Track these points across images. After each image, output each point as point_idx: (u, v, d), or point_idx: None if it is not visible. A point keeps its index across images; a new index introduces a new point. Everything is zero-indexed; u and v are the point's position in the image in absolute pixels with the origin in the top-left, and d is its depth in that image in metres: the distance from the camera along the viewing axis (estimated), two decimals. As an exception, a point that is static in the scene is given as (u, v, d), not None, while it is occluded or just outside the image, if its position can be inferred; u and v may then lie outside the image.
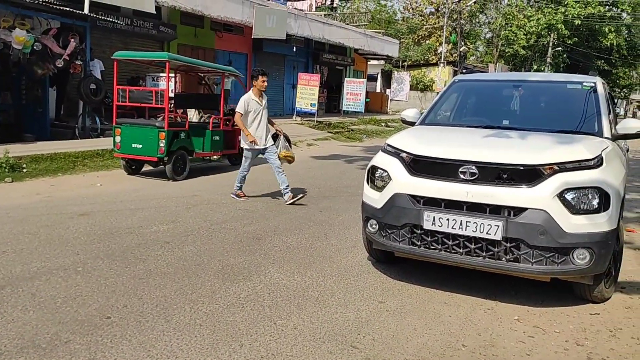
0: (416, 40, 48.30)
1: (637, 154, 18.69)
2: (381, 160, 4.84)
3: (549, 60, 46.38)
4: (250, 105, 7.87)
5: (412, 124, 5.88)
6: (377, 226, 4.70)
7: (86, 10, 12.26)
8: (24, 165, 9.36)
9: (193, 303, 4.13)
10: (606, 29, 45.47)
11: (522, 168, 4.15)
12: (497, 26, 47.20)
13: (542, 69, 46.03)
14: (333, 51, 27.53)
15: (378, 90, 38.95)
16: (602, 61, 49.47)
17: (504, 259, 4.14)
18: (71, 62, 12.21)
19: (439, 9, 45.61)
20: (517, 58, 48.28)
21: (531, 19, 44.93)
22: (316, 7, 27.96)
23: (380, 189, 4.68)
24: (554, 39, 45.60)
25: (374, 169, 4.84)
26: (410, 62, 43.08)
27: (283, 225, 6.66)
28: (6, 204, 7.09)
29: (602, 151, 4.35)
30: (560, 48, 46.68)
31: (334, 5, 30.87)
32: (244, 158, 8.16)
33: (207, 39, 20.04)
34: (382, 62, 38.06)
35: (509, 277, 4.65)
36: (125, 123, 9.59)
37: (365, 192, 4.91)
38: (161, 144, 9.18)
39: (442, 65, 36.72)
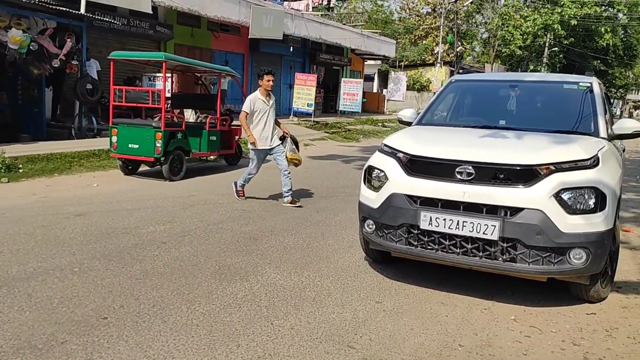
0: (413, 40, 48.37)
1: (634, 154, 18.74)
2: (378, 160, 4.84)
3: (545, 60, 46.47)
4: (257, 104, 7.75)
5: (409, 124, 5.89)
6: (374, 226, 4.70)
7: (82, 10, 12.24)
8: (20, 166, 9.33)
9: (190, 303, 4.12)
10: (602, 29, 45.60)
11: (518, 168, 4.16)
12: (493, 26, 47.29)
13: (539, 69, 46.11)
14: (330, 51, 27.53)
15: (375, 90, 38.96)
16: (599, 61, 49.61)
17: (500, 259, 4.15)
18: (67, 62, 12.18)
19: (436, 9, 45.66)
20: (513, 58, 48.37)
21: (527, 19, 45.03)
22: (313, 7, 27.98)
23: (377, 189, 4.68)
24: (550, 39, 45.68)
25: (370, 169, 4.85)
26: (407, 62, 43.13)
27: (280, 226, 6.65)
28: (2, 204, 7.07)
29: (598, 151, 4.36)
30: (556, 48, 46.77)
31: (331, 5, 30.88)
32: (250, 159, 8.03)
33: (203, 39, 20.03)
34: (379, 62, 38.10)
35: (506, 277, 4.66)
36: (122, 123, 9.57)
37: (362, 192, 4.91)
38: (158, 144, 9.16)
39: (438, 65, 36.75)
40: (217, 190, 8.71)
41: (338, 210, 7.65)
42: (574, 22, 43.55)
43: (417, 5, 50.10)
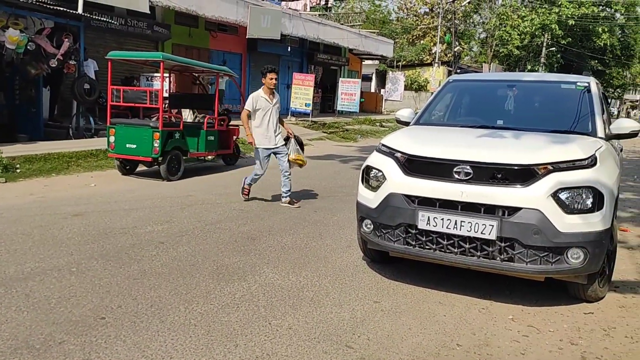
0: (410, 40, 48.39)
1: (631, 154, 18.78)
2: (376, 160, 4.84)
3: (543, 60, 46.53)
4: (259, 103, 7.62)
5: (407, 124, 5.89)
6: (372, 226, 4.70)
7: (80, 10, 12.21)
8: (18, 166, 9.32)
9: (188, 303, 4.12)
10: (600, 29, 45.68)
11: (516, 168, 4.16)
12: (491, 26, 47.34)
13: (536, 69, 46.17)
14: (327, 51, 27.54)
15: (372, 90, 39.00)
16: (596, 61, 49.69)
17: (498, 258, 4.15)
18: (65, 62, 12.16)
19: (434, 9, 45.69)
20: (511, 58, 48.43)
21: (525, 19, 45.08)
22: (310, 7, 27.96)
23: (375, 188, 4.68)
24: (547, 39, 45.74)
25: (368, 168, 4.85)
26: (404, 62, 43.17)
27: (278, 225, 6.65)
28: (0, 204, 7.05)
29: (595, 151, 4.36)
30: (554, 48, 46.83)
31: (329, 5, 30.87)
32: (255, 160, 7.91)
33: (201, 39, 20.02)
34: (377, 62, 38.12)
35: (504, 276, 4.66)
36: (120, 123, 9.56)
37: (359, 192, 4.91)
38: (155, 144, 9.15)
39: (436, 65, 36.77)
40: (214, 190, 8.71)
41: (336, 210, 7.66)
42: (571, 22, 43.61)
43: (414, 5, 50.14)
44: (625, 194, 9.87)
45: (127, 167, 9.93)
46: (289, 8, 23.81)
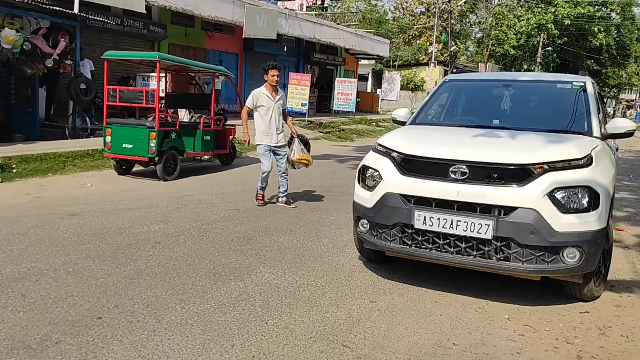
0: (407, 40, 48.45)
1: (627, 153, 18.84)
2: (372, 159, 4.84)
3: (539, 59, 46.64)
4: (260, 100, 7.48)
5: (403, 123, 5.89)
6: (368, 225, 4.71)
7: (76, 10, 12.19)
8: (14, 166, 9.29)
9: (184, 303, 4.12)
10: (595, 29, 45.82)
11: (512, 167, 4.17)
12: (487, 26, 47.42)
13: (532, 68, 46.27)
14: (324, 51, 27.55)
15: (369, 90, 39.02)
16: (592, 61, 49.84)
17: (494, 258, 4.16)
18: (61, 62, 12.13)
19: (430, 9, 45.71)
20: (507, 58, 48.52)
21: (521, 18, 45.19)
22: (307, 7, 27.93)
23: (371, 188, 4.69)
24: (544, 38, 45.85)
25: (365, 168, 4.85)
26: (400, 62, 43.20)
27: (274, 225, 6.65)
28: (-5, 204, 7.05)
29: (591, 150, 4.38)
30: (550, 48, 46.95)
31: (325, 5, 30.86)
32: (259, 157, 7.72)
33: (197, 39, 20.01)
34: (373, 61, 38.15)
35: (500, 275, 4.67)
36: (116, 123, 9.55)
37: (356, 192, 4.92)
38: (152, 144, 9.15)
39: (432, 65, 36.81)
40: (211, 190, 8.71)
41: (332, 210, 7.66)
42: (567, 21, 43.74)
43: (410, 4, 50.18)
44: (621, 194, 9.90)
45: (124, 167, 9.91)
46: (285, 8, 23.81)
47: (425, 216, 4.28)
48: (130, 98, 10.03)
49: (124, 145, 9.35)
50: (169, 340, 3.50)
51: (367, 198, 4.68)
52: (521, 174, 4.14)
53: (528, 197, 4.04)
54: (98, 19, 13.87)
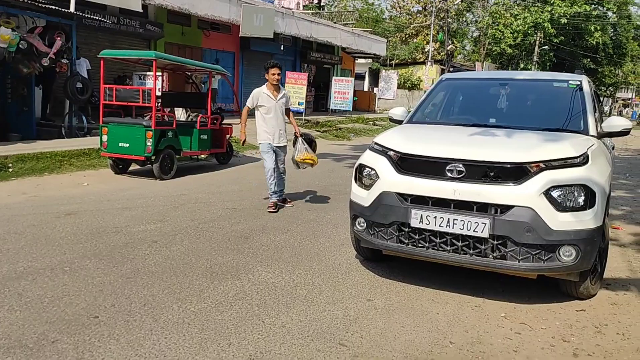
0: (404, 38, 48.44)
1: (623, 152, 18.90)
2: (369, 158, 4.85)
3: (535, 58, 46.69)
4: (261, 99, 7.34)
5: (400, 122, 5.90)
6: (365, 224, 4.71)
7: (72, 9, 12.15)
8: (10, 165, 9.27)
9: (181, 302, 4.12)
10: (592, 28, 45.86)
11: (508, 166, 4.18)
12: (484, 25, 47.45)
13: (529, 67, 46.32)
14: (321, 50, 27.54)
15: (366, 88, 39.00)
16: (588, 59, 49.92)
17: (491, 256, 4.17)
18: (57, 61, 12.08)
19: (426, 8, 45.75)
20: (504, 56, 48.56)
21: (518, 17, 45.21)
22: (303, 6, 27.96)
23: (367, 187, 4.69)
24: (540, 37, 45.89)
25: (361, 167, 4.85)
26: (397, 61, 43.20)
27: (271, 224, 6.65)
28: (-9, 203, 7.03)
29: (587, 149, 4.39)
30: (546, 47, 47.00)
31: (322, 3, 30.87)
32: (263, 160, 7.56)
33: (194, 38, 19.99)
34: (370, 60, 38.13)
35: (496, 274, 4.68)
36: (112, 122, 9.53)
37: (353, 191, 4.92)
38: (148, 143, 9.13)
39: (429, 63, 36.83)
40: (208, 189, 8.70)
41: (329, 209, 7.66)
42: (564, 20, 43.77)
43: (407, 3, 50.19)
44: (618, 192, 9.93)
45: (120, 166, 9.90)
46: (282, 7, 23.81)
47: (421, 215, 4.28)
48: (127, 97, 10.01)
49: (120, 145, 9.33)
50: (166, 339, 3.50)
51: (364, 197, 4.68)
52: (517, 173, 4.15)
53: (524, 195, 4.05)
54: (94, 17, 13.83)
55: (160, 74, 12.00)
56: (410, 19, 49.90)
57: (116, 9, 15.03)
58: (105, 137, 9.42)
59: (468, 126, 5.32)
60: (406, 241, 4.44)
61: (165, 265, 4.95)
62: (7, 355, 3.19)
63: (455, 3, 41.39)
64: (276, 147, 7.48)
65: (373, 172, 4.68)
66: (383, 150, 4.74)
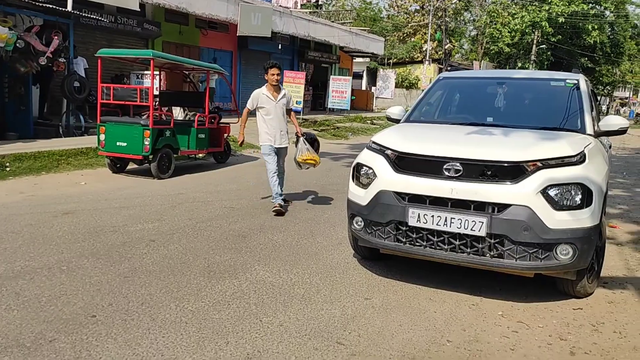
0: (401, 37, 48.46)
1: (620, 151, 18.93)
2: (366, 157, 4.85)
3: (533, 57, 46.74)
4: (260, 100, 7.22)
5: (397, 121, 5.90)
6: (363, 223, 4.71)
7: (69, 7, 12.14)
8: (7, 164, 9.26)
9: (179, 301, 4.12)
10: (589, 27, 45.92)
11: (506, 165, 4.18)
12: (481, 24, 47.49)
13: (527, 66, 46.38)
14: (318, 49, 27.52)
15: (363, 87, 39.02)
16: (586, 59, 50.00)
17: (488, 255, 4.17)
18: (54, 60, 12.07)
19: (424, 7, 45.77)
20: (501, 55, 48.60)
21: (515, 16, 45.26)
22: (301, 5, 27.92)
23: (365, 186, 4.70)
24: (538, 36, 45.95)
25: (359, 166, 4.86)
26: (395, 60, 43.22)
27: (269, 223, 6.65)
28: (-11, 203, 7.02)
29: (584, 148, 4.40)
30: (544, 46, 47.06)
31: (319, 2, 30.85)
32: (265, 161, 7.42)
33: (191, 37, 19.96)
34: (368, 59, 38.14)
35: (494, 273, 4.69)
36: (110, 121, 9.52)
37: (350, 190, 4.92)
38: (146, 142, 9.12)
39: (427, 62, 36.89)
40: (205, 188, 8.70)
41: (327, 208, 7.67)
42: (561, 19, 43.83)
43: (405, 2, 50.19)
44: (615, 191, 9.95)
45: (118, 165, 9.89)
46: (280, 5, 23.77)
47: (419, 213, 4.29)
48: (124, 96, 10.00)
49: (118, 144, 9.32)
50: (164, 338, 3.50)
51: (362, 196, 4.69)
52: (515, 171, 4.15)
53: (521, 194, 4.05)
54: (92, 16, 13.81)
55: (157, 73, 11.98)
56: (408, 17, 49.93)
57: (113, 7, 15.00)
58: (102, 136, 9.41)
59: (465, 125, 5.32)
60: (404, 240, 4.44)
61: (163, 264, 4.95)
62: (5, 354, 3.19)
63: (453, 2, 41.42)
64: (277, 148, 7.37)
65: (370, 171, 4.68)
66: (380, 149, 4.74)
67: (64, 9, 11.98)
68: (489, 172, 4.20)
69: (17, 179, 8.68)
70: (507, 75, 6.98)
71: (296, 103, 20.93)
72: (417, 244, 4.40)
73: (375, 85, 36.14)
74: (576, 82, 5.63)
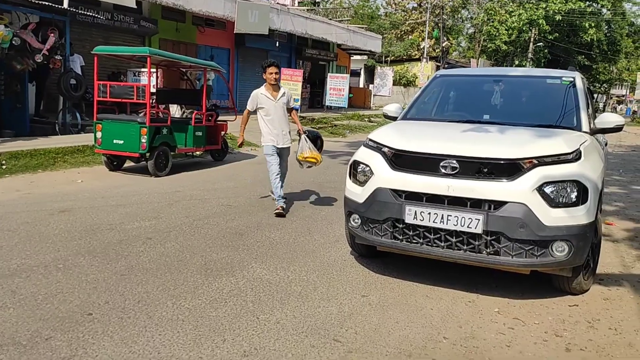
0: (399, 35, 48.44)
1: (617, 148, 18.97)
2: (363, 155, 4.85)
3: (530, 55, 46.80)
4: (260, 100, 7.08)
5: (394, 118, 5.91)
6: (360, 220, 4.72)
7: (66, 5, 12.11)
8: (3, 162, 9.23)
9: (175, 299, 4.12)
10: (586, 25, 46.01)
11: (502, 162, 4.19)
12: (479, 21, 47.50)
13: (524, 64, 46.44)
14: (316, 46, 27.51)
15: (361, 85, 39.02)
16: (583, 56, 50.11)
17: (484, 252, 4.18)
18: (51, 57, 12.03)
19: (422, 4, 45.74)
20: (499, 53, 48.65)
21: (513, 14, 45.30)
22: (299, 2, 27.92)
23: (362, 183, 4.70)
24: (535, 34, 46.00)
25: (356, 163, 4.86)
26: (393, 58, 43.19)
27: (266, 221, 6.65)
28: (-15, 200, 7.00)
29: (580, 145, 4.41)
30: (541, 43, 47.12)
31: (317, 0, 30.80)
32: (267, 162, 7.27)
33: (188, 34, 19.92)
34: (365, 57, 38.13)
35: (490, 270, 4.69)
36: (107, 119, 9.50)
37: (347, 187, 4.93)
38: (143, 140, 9.11)
39: (424, 60, 36.88)
40: (203, 186, 8.69)
41: (324, 205, 7.67)
42: (558, 17, 43.89)
43: (402, 0, 50.15)
44: (611, 188, 9.97)
45: (114, 163, 9.87)
46: (277, 3, 23.73)
47: (416, 211, 4.29)
48: (121, 93, 9.97)
49: (114, 141, 9.31)
50: (160, 335, 3.50)
51: (359, 193, 4.69)
52: (511, 169, 4.16)
53: (518, 191, 4.06)
54: (88, 13, 13.78)
55: (154, 70, 11.94)
56: (405, 15, 49.88)
57: (110, 5, 14.97)
58: (99, 134, 9.39)
59: (462, 122, 5.33)
60: (400, 237, 4.45)
61: (160, 262, 4.95)
62: (1, 352, 3.18)
63: (450, 0, 41.38)
64: (280, 149, 7.23)
65: (367, 168, 4.69)
66: (377, 147, 4.75)
67: (60, 6, 11.95)
68: (486, 170, 4.21)
69: (14, 177, 8.67)
70: (503, 73, 6.99)
71: (294, 101, 20.95)
72: (414, 241, 4.40)
73: (372, 83, 36.15)
74: (572, 79, 5.64)
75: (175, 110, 12.23)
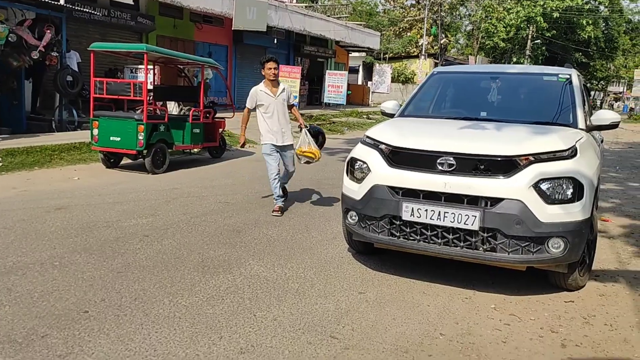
0: (397, 32, 48.41)
1: (613, 145, 18.99)
2: (360, 152, 4.85)
3: (528, 52, 46.82)
4: (259, 97, 6.89)
5: (392, 115, 5.91)
6: (357, 217, 4.72)
7: (62, 1, 12.07)
8: (0, 159, 9.21)
9: (172, 296, 4.12)
10: (584, 22, 46.02)
11: (498, 159, 4.19)
12: (477, 19, 47.48)
13: (522, 61, 46.47)
14: (314, 43, 27.48)
15: (359, 82, 39.01)
16: (580, 54, 50.11)
17: (481, 248, 4.19)
18: (47, 54, 12.02)
19: (420, 1, 45.72)
20: (497, 50, 48.68)
21: (510, 11, 45.30)
22: (297, -1, 27.87)
23: (359, 180, 4.70)
24: (533, 31, 46.01)
25: (353, 160, 4.86)
26: (391, 55, 43.18)
27: (263, 218, 6.65)
28: (-19, 198, 6.99)
29: (576, 142, 4.41)
30: (539, 41, 47.14)
31: (315, -4, 30.78)
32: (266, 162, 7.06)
33: (186, 31, 19.88)
34: (364, 54, 38.12)
35: (486, 266, 4.70)
36: (103, 116, 9.49)
37: (344, 184, 4.93)
38: (140, 137, 9.09)
39: (423, 57, 36.85)
40: (200, 183, 8.68)
41: (322, 202, 7.67)
42: (556, 14, 43.90)
43: (401, -3, 50.14)
44: (607, 185, 9.99)
45: (111, 160, 9.86)
46: None
47: (413, 208, 4.29)
48: (118, 90, 9.96)
49: (111, 138, 9.29)
50: (157, 333, 3.50)
51: (356, 190, 4.69)
52: (507, 166, 4.17)
53: (514, 188, 4.07)
54: (84, 10, 13.74)
55: (151, 67, 11.94)
56: (403, 12, 49.86)
57: (107, 1, 14.96)
58: (96, 131, 9.37)
59: (459, 119, 5.34)
60: (397, 234, 4.45)
61: (157, 259, 4.94)
62: (-3, 349, 3.19)
63: (448, -3, 41.37)
64: (281, 147, 7.01)
65: (365, 165, 4.69)
66: (374, 144, 4.75)
67: (56, 3, 11.92)
68: (482, 167, 4.21)
69: (10, 174, 8.65)
70: (500, 70, 7.00)
71: (293, 97, 20.94)
72: (411, 238, 4.41)
73: (371, 80, 36.12)
74: (568, 76, 5.65)
75: (172, 107, 12.22)
